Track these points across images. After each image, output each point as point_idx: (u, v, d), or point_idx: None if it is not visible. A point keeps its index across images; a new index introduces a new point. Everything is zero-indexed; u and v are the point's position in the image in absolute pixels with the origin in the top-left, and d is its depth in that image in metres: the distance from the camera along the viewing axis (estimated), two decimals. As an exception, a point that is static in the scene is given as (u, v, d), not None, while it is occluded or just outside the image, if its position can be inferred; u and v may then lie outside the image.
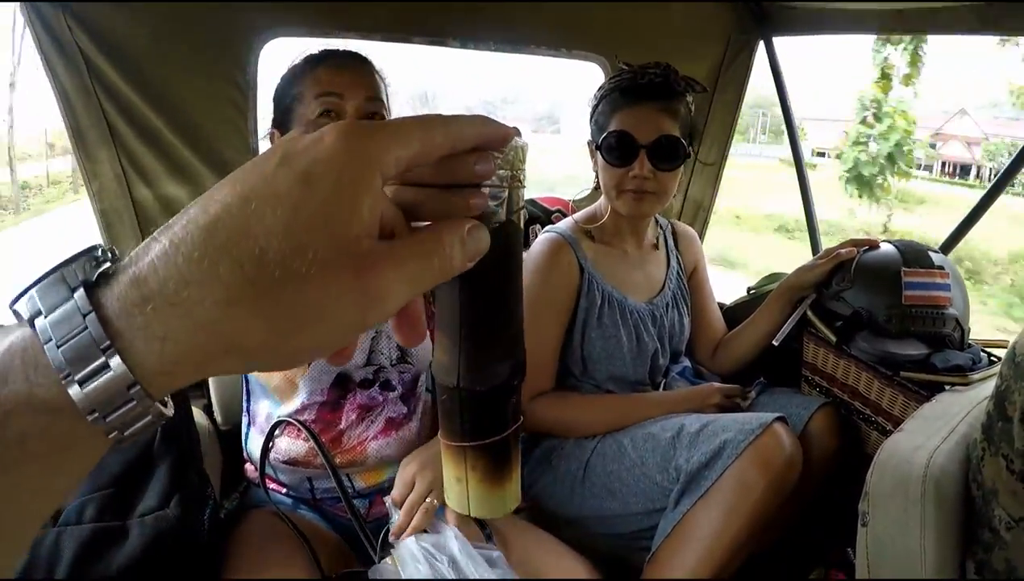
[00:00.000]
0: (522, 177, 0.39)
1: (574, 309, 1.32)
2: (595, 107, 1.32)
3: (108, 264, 0.26)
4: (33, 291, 0.26)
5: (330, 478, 1.07)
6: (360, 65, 1.09)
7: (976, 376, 1.16)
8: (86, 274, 0.25)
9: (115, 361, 0.24)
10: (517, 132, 0.38)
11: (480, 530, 1.06)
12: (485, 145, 0.32)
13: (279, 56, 1.41)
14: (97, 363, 0.24)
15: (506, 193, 0.39)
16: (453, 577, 0.93)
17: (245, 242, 0.24)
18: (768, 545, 1.25)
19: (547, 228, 1.39)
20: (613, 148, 1.25)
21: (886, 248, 1.30)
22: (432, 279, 0.30)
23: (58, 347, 0.24)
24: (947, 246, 1.45)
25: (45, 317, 0.25)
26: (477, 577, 0.94)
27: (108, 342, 0.24)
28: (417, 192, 0.34)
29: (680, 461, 1.14)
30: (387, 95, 1.11)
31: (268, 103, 1.22)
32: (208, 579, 0.91)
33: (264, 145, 1.45)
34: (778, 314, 1.40)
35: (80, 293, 0.25)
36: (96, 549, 0.74)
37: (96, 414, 0.25)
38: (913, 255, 1.26)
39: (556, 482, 1.29)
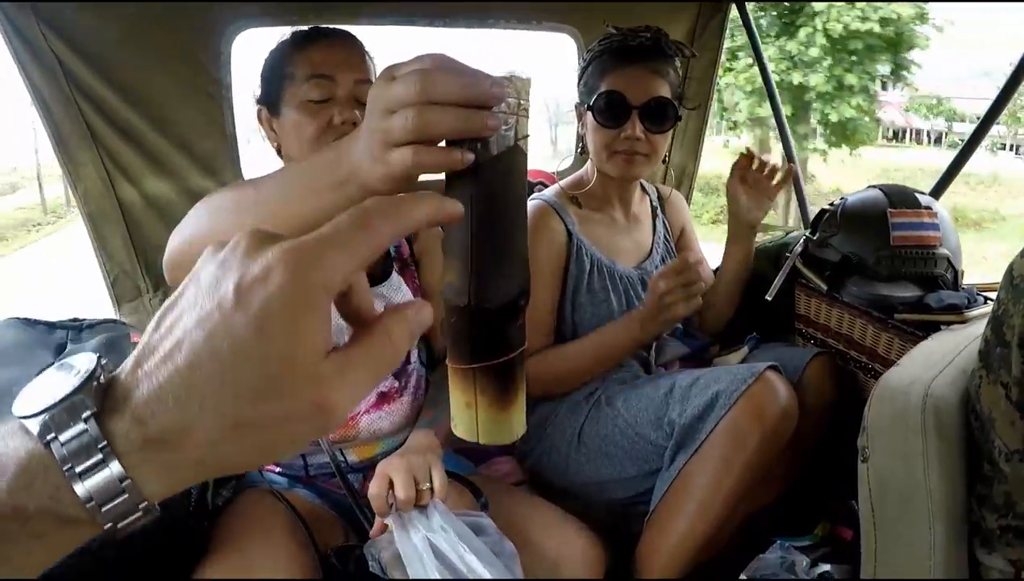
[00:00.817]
0: (527, 107, 0.44)
1: (564, 274, 1.31)
2: (584, 69, 1.32)
3: (108, 387, 0.30)
4: (46, 416, 0.30)
5: (323, 454, 1.06)
6: (351, 46, 1.07)
7: (972, 313, 1.15)
8: (94, 402, 0.29)
9: (130, 486, 0.29)
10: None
11: (475, 499, 1.05)
12: (433, 222, 0.35)
13: (252, 46, 1.42)
14: (115, 490, 0.29)
15: (514, 119, 0.43)
16: (447, 547, 0.92)
17: (222, 392, 0.28)
18: (770, 500, 1.23)
19: (532, 196, 1.38)
20: (604, 109, 1.24)
21: (871, 192, 1.28)
22: (383, 374, 0.33)
23: (80, 478, 0.29)
24: (936, 191, 1.44)
25: (62, 445, 0.29)
26: (463, 543, 0.92)
27: (126, 477, 0.29)
28: (440, 112, 0.40)
29: (673, 415, 1.12)
30: (375, 76, 1.10)
31: (243, 94, 1.22)
32: (196, 556, 0.90)
33: (242, 129, 1.45)
34: (738, 251, 1.38)
35: (92, 425, 0.29)
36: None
37: (111, 524, 0.30)
38: (899, 197, 1.25)
39: (551, 450, 1.27)
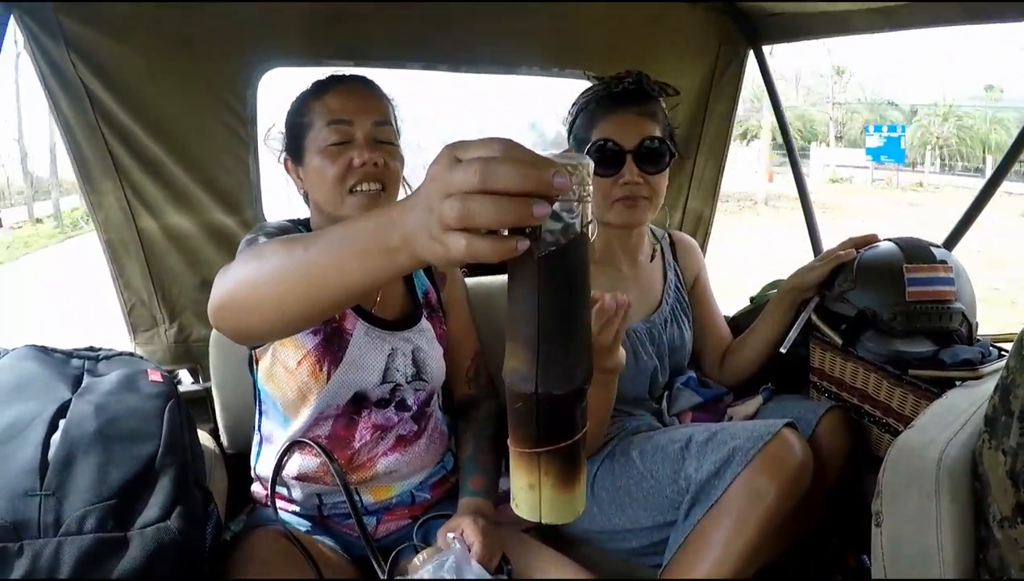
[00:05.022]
0: (589, 192, 0.44)
1: None
2: (572, 123, 1.32)
3: None
4: None
5: (339, 493, 1.06)
6: (367, 89, 1.10)
7: (986, 369, 1.14)
8: None
9: None
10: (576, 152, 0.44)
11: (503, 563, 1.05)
12: None
13: (277, 85, 1.43)
14: None
15: (580, 206, 0.43)
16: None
17: None
18: (782, 554, 1.22)
19: None
20: (599, 158, 1.23)
21: (887, 246, 1.28)
22: None
23: None
24: (950, 242, 1.44)
25: None
26: None
27: None
28: (487, 203, 0.41)
29: (690, 471, 1.11)
30: (395, 116, 1.12)
31: (268, 132, 1.24)
32: None
33: (265, 171, 1.47)
34: (780, 318, 1.39)
35: None
36: (96, 559, 0.73)
37: None
38: (914, 251, 1.24)
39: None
